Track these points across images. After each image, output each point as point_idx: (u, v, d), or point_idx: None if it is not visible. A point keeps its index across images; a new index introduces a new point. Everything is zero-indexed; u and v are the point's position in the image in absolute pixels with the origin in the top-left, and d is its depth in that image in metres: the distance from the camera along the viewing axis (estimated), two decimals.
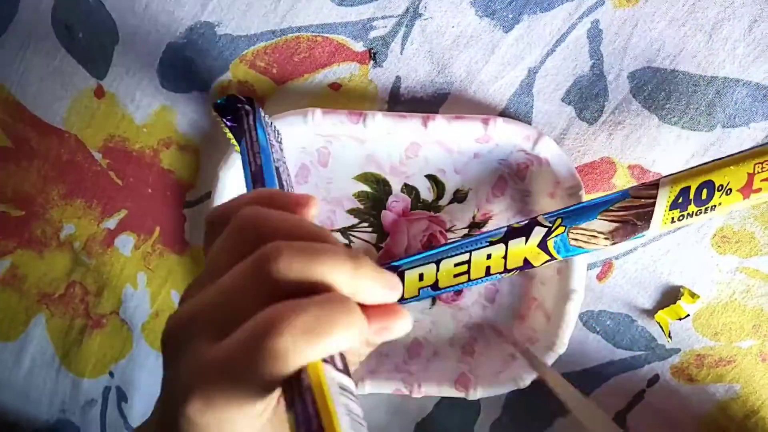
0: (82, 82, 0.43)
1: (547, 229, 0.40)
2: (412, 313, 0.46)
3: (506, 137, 0.41)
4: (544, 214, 0.40)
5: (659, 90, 0.41)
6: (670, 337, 0.44)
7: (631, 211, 0.38)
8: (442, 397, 0.46)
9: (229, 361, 0.21)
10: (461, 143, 0.42)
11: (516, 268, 0.41)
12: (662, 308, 0.44)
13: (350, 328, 0.21)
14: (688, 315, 0.43)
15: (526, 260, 0.41)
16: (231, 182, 0.42)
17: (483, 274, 0.42)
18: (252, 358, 0.20)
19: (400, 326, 0.24)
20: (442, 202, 0.44)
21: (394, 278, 0.24)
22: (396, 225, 0.45)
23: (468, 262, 0.42)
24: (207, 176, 0.44)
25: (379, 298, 0.23)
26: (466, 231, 0.45)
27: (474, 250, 0.42)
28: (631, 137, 0.42)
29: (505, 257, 0.41)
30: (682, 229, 0.43)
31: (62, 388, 0.47)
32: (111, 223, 0.45)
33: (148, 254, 0.45)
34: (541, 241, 0.40)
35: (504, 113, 0.42)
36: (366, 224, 0.45)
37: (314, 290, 0.22)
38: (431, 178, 0.44)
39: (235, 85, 0.42)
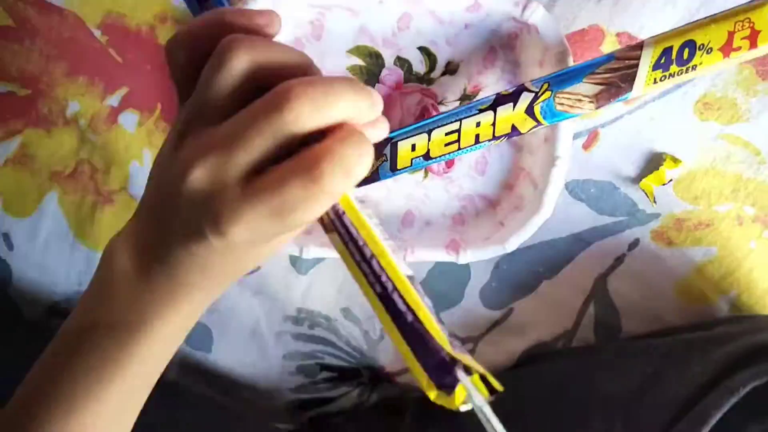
0: None
1: (534, 94, 0.41)
2: (406, 187, 0.48)
3: (496, 4, 0.41)
4: (532, 81, 0.41)
5: None
6: (654, 201, 0.46)
7: (616, 73, 0.39)
8: (435, 264, 0.49)
9: (278, 203, 0.23)
10: (452, 13, 0.43)
11: (504, 135, 0.43)
12: (645, 175, 0.46)
13: (370, 159, 0.24)
14: (671, 180, 0.45)
15: (513, 127, 0.42)
16: None
17: (473, 142, 0.43)
18: (303, 201, 0.23)
19: (384, 131, 0.28)
20: (434, 74, 0.45)
21: (376, 94, 0.26)
22: (389, 98, 0.46)
23: (458, 130, 0.43)
24: None
25: (374, 116, 0.26)
26: (457, 104, 0.46)
27: (464, 118, 0.43)
28: (619, 3, 0.43)
29: (493, 124, 0.43)
30: (666, 96, 0.44)
31: (77, 261, 0.50)
32: (114, 100, 0.47)
33: (151, 131, 0.47)
34: (528, 107, 0.42)
35: None
36: None
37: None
38: (423, 50, 0.45)
39: None
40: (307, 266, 0.50)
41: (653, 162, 0.46)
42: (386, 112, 0.47)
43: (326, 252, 0.46)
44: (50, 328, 0.51)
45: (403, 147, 0.45)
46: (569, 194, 0.47)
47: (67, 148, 0.48)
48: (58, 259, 0.50)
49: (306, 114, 0.23)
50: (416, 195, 0.48)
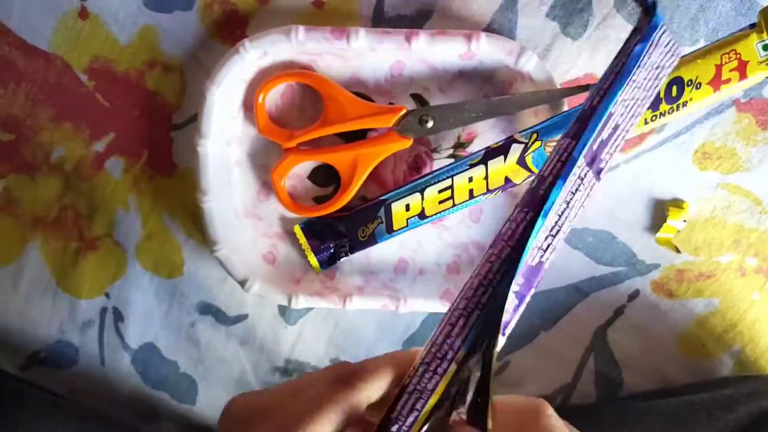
0: (66, 3, 0.43)
1: (524, 145, 0.40)
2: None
3: (489, 53, 0.41)
4: (520, 131, 0.41)
5: None
6: (678, 250, 0.44)
7: None
8: (429, 314, 0.48)
9: None
10: (445, 60, 0.42)
11: (498, 188, 0.42)
12: (642, 225, 0.45)
13: None
14: (685, 222, 0.44)
15: (507, 178, 0.41)
16: (217, 104, 0.42)
17: (467, 198, 0.42)
18: None
19: None
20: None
21: None
22: None
23: (451, 187, 0.42)
24: (193, 98, 0.44)
25: None
26: (451, 151, 0.45)
27: (455, 174, 0.42)
28: (614, 52, 0.42)
29: (486, 178, 0.42)
30: (664, 146, 0.43)
31: (60, 309, 0.49)
32: (100, 146, 0.46)
33: (137, 177, 0.46)
34: (519, 158, 0.41)
35: (488, 30, 0.42)
36: None
37: None
38: (416, 97, 0.44)
39: (217, 3, 0.42)
40: (296, 316, 0.48)
41: (653, 211, 0.45)
42: None
43: (315, 302, 0.45)
44: (27, 380, 0.50)
45: (397, 208, 0.44)
46: (566, 243, 0.46)
47: (52, 193, 0.47)
48: (40, 306, 0.49)
49: None
50: (410, 243, 0.47)
